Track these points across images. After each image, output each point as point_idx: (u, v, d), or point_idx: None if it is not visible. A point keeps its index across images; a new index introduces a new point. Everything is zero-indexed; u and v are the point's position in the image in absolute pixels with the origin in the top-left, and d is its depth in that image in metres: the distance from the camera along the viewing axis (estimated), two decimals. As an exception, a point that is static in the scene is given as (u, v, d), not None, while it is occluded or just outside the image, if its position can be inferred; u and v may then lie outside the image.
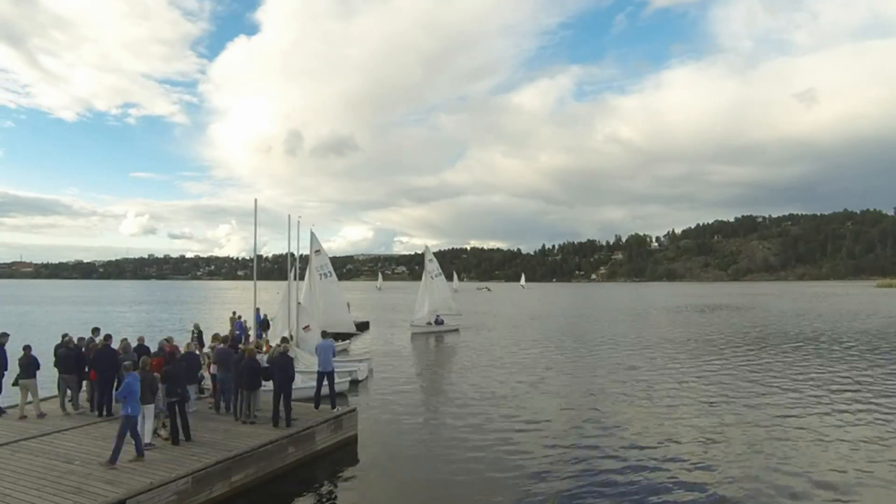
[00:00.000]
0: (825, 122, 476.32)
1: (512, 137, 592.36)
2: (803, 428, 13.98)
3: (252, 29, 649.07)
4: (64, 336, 13.88)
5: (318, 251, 28.64)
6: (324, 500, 9.98)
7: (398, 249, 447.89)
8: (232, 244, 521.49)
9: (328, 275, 27.54)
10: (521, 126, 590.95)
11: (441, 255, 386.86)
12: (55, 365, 13.10)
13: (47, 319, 49.62)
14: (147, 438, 10.18)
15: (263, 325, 25.44)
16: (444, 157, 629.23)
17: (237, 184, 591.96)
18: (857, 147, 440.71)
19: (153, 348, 13.95)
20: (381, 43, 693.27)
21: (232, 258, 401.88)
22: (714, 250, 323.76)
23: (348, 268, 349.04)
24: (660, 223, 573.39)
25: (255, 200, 21.44)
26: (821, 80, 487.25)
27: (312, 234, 28.51)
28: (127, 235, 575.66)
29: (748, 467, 11.19)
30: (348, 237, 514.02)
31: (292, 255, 23.40)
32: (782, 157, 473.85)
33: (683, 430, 13.88)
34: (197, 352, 14.75)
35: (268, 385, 12.50)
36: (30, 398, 12.64)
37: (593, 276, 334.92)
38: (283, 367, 12.08)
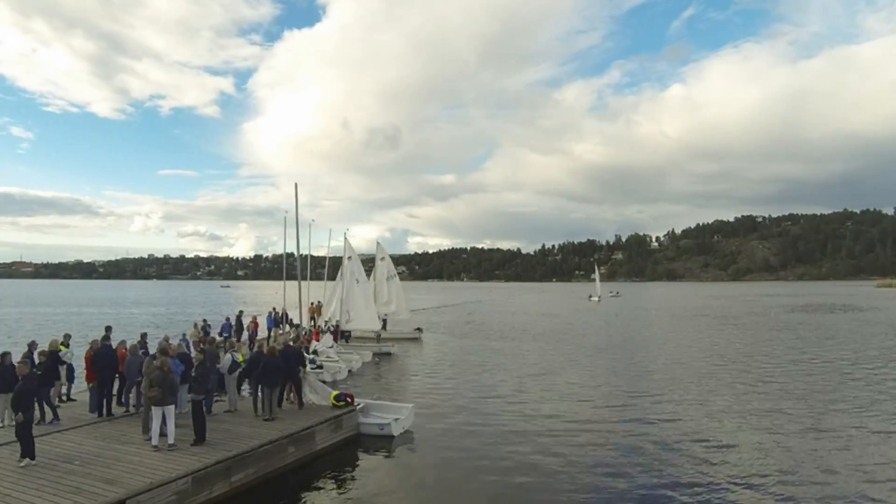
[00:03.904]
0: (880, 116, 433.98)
1: (545, 133, 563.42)
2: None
3: (309, 19, 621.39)
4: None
5: (382, 258, 31.10)
6: (324, 500, 9.95)
7: (412, 249, 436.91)
8: (241, 244, 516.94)
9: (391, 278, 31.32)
10: (557, 121, 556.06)
11: (441, 256, 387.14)
12: None
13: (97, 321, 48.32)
14: (170, 439, 10.19)
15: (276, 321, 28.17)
16: (472, 154, 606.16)
17: (260, 182, 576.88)
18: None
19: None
20: (433, 29, 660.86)
21: (232, 258, 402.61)
22: (714, 250, 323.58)
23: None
24: (684, 223, 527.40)
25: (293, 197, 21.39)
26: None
27: (379, 245, 31.49)
28: (136, 234, 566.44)
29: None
30: (362, 236, 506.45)
31: (290, 254, 23.63)
32: (830, 152, 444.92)
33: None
34: (192, 352, 14.72)
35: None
36: None
37: (593, 276, 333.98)
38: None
